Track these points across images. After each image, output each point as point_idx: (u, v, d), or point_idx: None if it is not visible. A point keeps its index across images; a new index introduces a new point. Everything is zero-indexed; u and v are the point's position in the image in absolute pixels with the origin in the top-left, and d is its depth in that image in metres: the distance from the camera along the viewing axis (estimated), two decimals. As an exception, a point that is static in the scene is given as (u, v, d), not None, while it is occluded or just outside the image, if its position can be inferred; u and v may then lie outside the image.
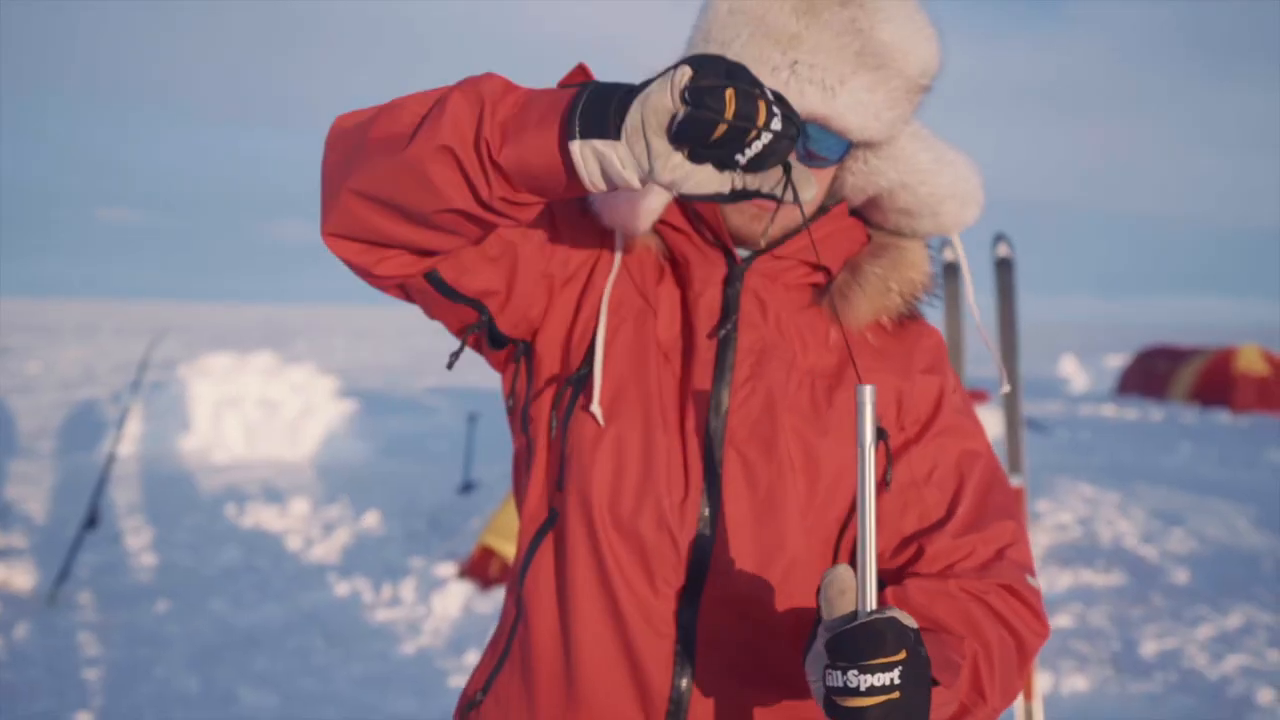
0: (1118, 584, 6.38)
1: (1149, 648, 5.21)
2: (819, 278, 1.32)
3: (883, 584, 1.18)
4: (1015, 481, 3.46)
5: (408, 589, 5.83)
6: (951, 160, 1.32)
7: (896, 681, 0.94)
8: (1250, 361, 17.13)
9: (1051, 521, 7.96)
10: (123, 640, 4.97)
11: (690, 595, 1.22)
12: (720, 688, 1.23)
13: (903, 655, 0.94)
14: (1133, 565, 6.83)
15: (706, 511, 1.22)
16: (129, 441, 10.01)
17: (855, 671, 0.94)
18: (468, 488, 8.63)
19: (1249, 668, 4.93)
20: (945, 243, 4.34)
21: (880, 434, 1.09)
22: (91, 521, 5.92)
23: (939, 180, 1.31)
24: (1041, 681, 4.62)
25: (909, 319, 1.34)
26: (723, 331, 1.27)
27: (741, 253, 1.31)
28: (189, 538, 7.03)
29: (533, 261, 1.29)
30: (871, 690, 0.93)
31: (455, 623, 5.36)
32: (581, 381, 1.30)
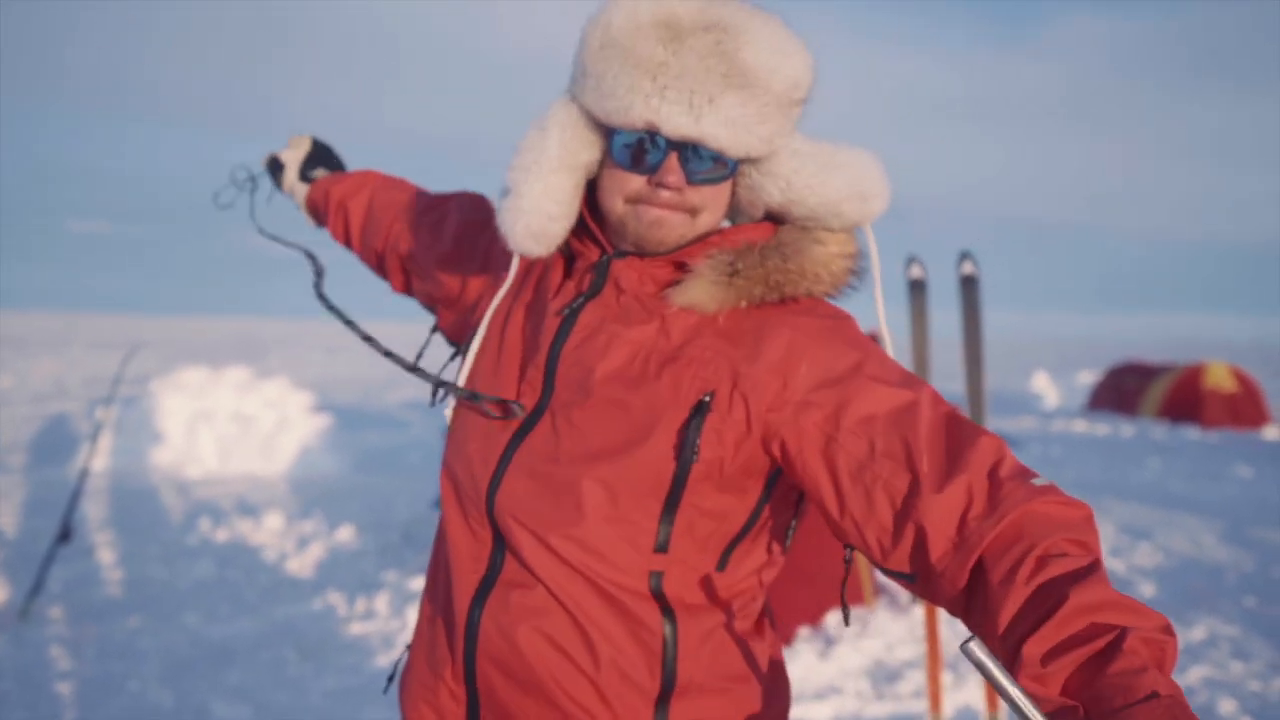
0: (1085, 597, 6.45)
1: (1115, 660, 5.27)
2: (682, 274, 1.39)
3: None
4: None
5: (382, 602, 5.84)
6: (844, 162, 1.39)
7: None
8: (1219, 378, 17.33)
9: (1021, 536, 8.03)
10: (95, 654, 4.96)
11: (496, 539, 1.41)
12: (507, 622, 1.38)
13: None
14: (1100, 579, 6.90)
15: (505, 463, 1.41)
16: (102, 455, 9.96)
17: None
18: (439, 503, 8.63)
19: (1212, 679, 5.01)
20: (911, 259, 4.40)
21: (701, 407, 1.31)
22: (64, 536, 5.90)
23: (828, 188, 1.38)
24: (1009, 693, 4.67)
25: (778, 306, 1.37)
26: (568, 309, 1.42)
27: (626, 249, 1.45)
28: (162, 552, 7.01)
29: (438, 276, 1.73)
30: None
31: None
32: (460, 358, 1.56)
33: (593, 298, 1.41)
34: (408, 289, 1.87)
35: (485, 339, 1.51)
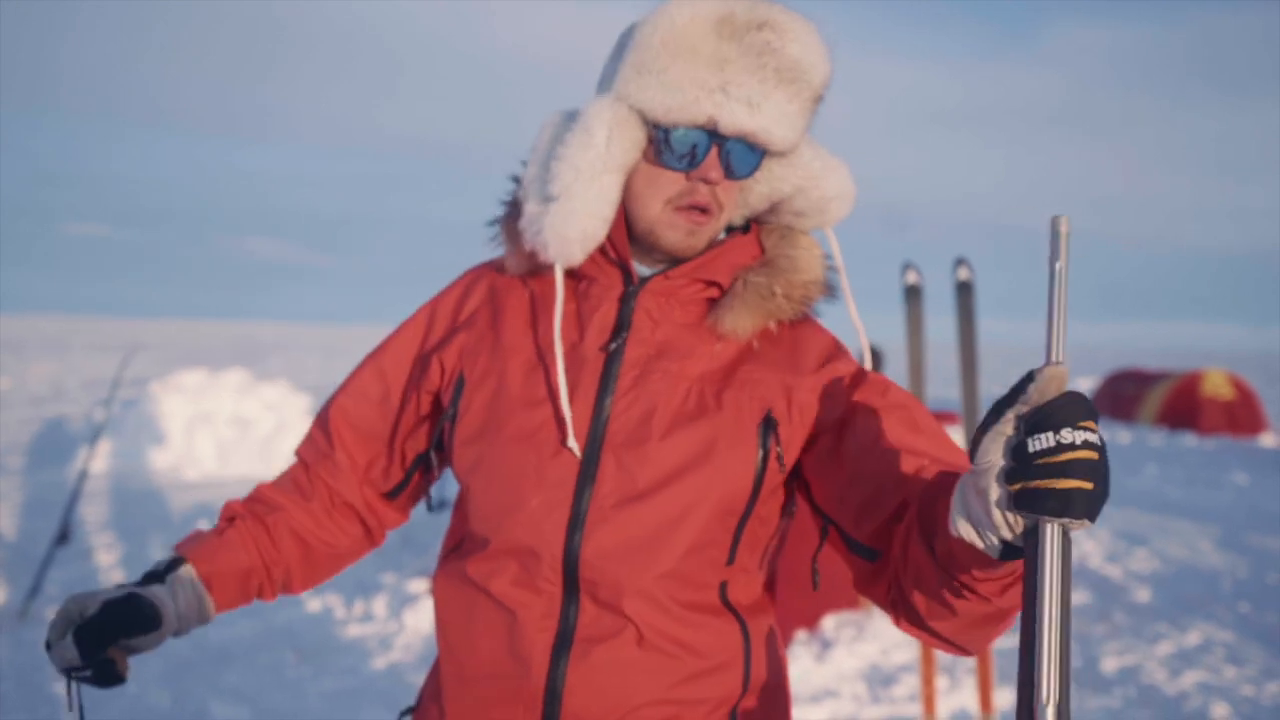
0: (1082, 602, 6.48)
1: (1109, 664, 5.30)
2: (713, 293, 1.43)
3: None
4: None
5: (380, 605, 5.86)
6: (834, 165, 1.47)
7: (1097, 442, 0.94)
8: (1216, 386, 17.37)
9: (1018, 541, 8.06)
10: (94, 655, 4.97)
11: (569, 591, 1.35)
12: (594, 677, 1.34)
13: (1095, 424, 0.95)
14: (1097, 584, 6.94)
15: (580, 513, 1.35)
16: (100, 458, 9.96)
17: (1068, 429, 0.92)
18: (439, 504, 8.64)
19: (1206, 684, 5.03)
20: (907, 265, 4.42)
21: (770, 423, 1.34)
22: (62, 537, 5.92)
23: (828, 183, 1.45)
24: (1003, 697, 4.70)
25: (798, 322, 1.44)
26: (613, 345, 1.40)
27: (644, 271, 1.44)
28: (160, 554, 6.98)
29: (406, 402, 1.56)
30: (1087, 445, 0.92)
31: (427, 638, 5.39)
32: (454, 420, 1.46)
33: (629, 333, 1.41)
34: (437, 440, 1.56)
35: (488, 374, 1.45)
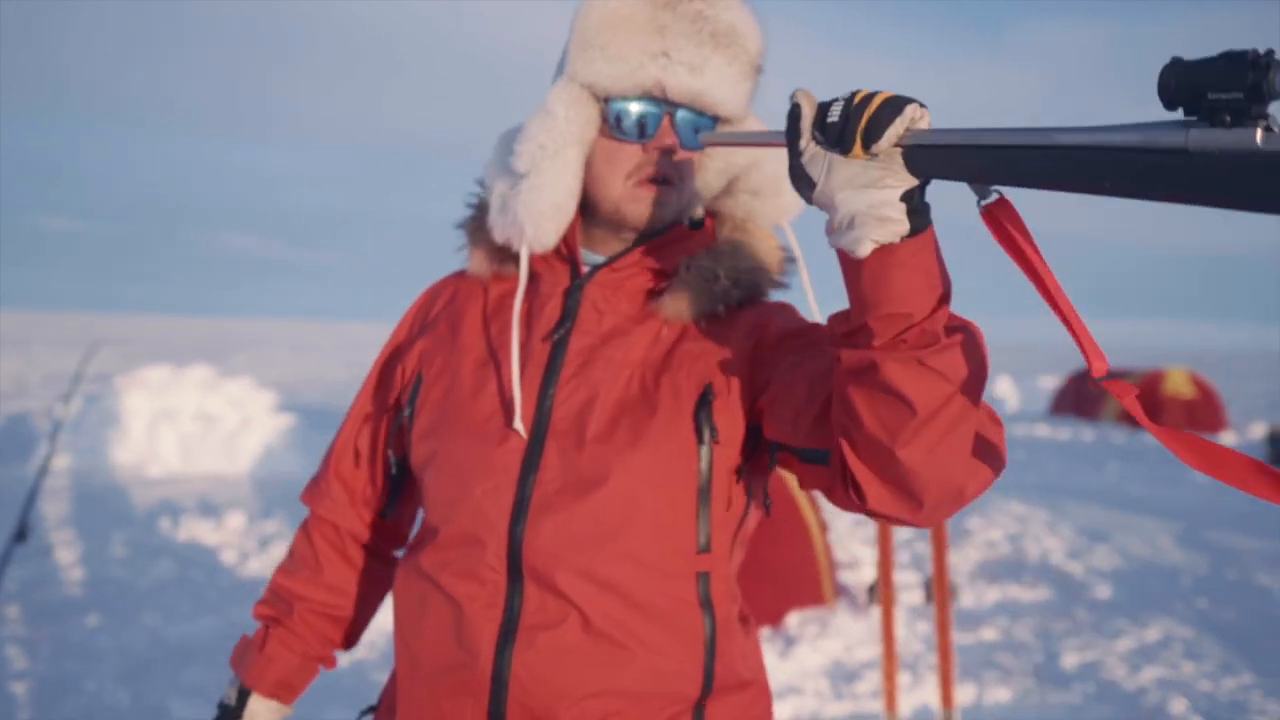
0: (1043, 599, 6.54)
1: (1070, 660, 5.35)
2: (661, 282, 1.45)
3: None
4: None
5: (343, 603, 5.83)
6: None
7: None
8: (1178, 385, 17.56)
9: (982, 538, 8.13)
10: (51, 653, 4.92)
11: (513, 578, 1.36)
12: (539, 665, 1.34)
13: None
14: (1058, 580, 7.00)
15: (524, 499, 1.36)
16: (62, 454, 9.86)
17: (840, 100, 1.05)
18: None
19: (1165, 679, 5.09)
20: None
21: (706, 400, 1.36)
22: (20, 534, 5.83)
23: (780, 160, 1.45)
24: (965, 693, 4.74)
25: (751, 306, 1.44)
26: (556, 335, 1.43)
27: (598, 259, 1.47)
28: (122, 551, 6.96)
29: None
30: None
31: (390, 635, 5.37)
32: (411, 418, 1.50)
33: (575, 323, 1.43)
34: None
35: (443, 371, 1.49)
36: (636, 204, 1.42)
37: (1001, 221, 1.03)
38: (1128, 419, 17.70)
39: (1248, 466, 0.91)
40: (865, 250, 1.05)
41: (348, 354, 41.12)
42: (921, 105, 1.03)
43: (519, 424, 1.38)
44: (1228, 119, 0.82)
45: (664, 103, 1.39)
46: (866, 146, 1.02)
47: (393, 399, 1.58)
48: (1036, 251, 1.02)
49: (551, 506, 1.34)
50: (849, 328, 1.12)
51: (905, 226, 1.04)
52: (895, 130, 1.02)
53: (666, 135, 1.40)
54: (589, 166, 1.44)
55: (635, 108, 1.40)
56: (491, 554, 1.36)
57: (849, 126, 1.03)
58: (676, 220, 1.47)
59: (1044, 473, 12.29)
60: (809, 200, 1.10)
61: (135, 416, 10.99)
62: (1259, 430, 16.69)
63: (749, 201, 1.49)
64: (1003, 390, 22.77)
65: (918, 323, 1.07)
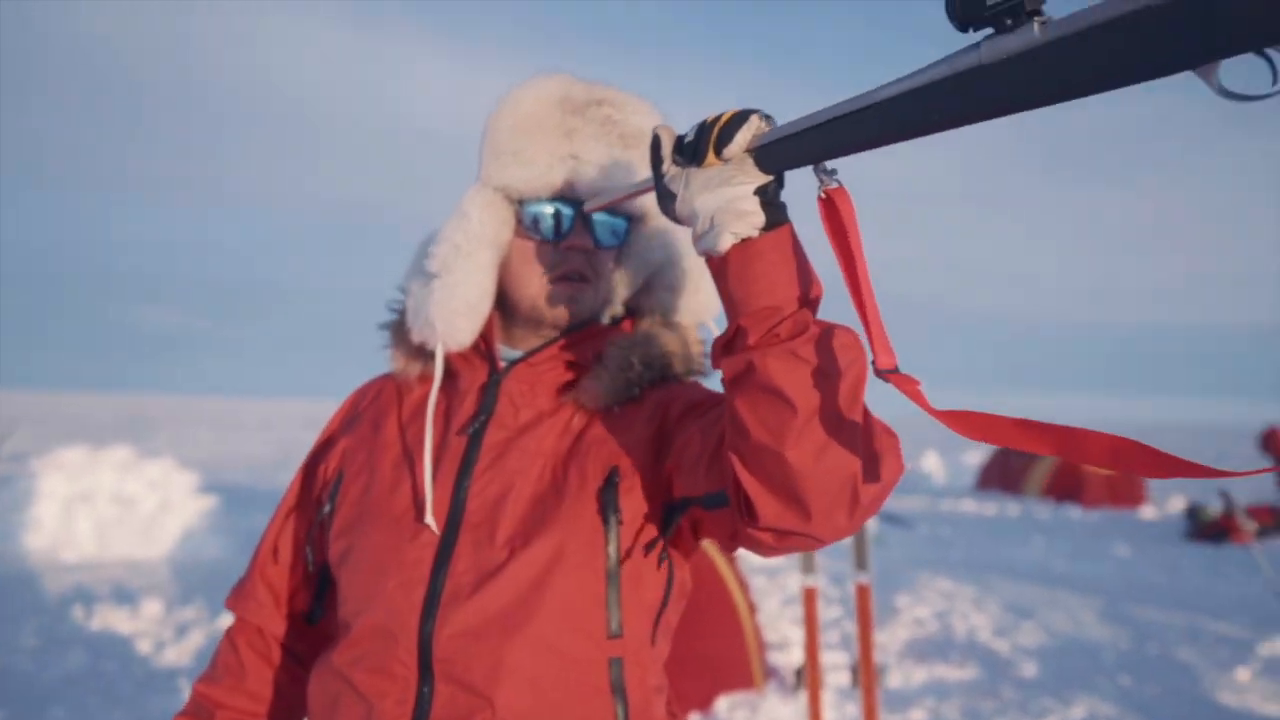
0: (971, 677, 6.57)
1: (997, 740, 5.37)
2: (577, 374, 1.47)
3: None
4: (861, 579, 3.60)
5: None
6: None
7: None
8: (1098, 459, 17.90)
9: (910, 616, 8.16)
10: (-48, 753, 4.71)
11: (424, 674, 1.34)
12: None
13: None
14: (985, 658, 7.04)
15: (435, 593, 1.35)
16: (-30, 540, 9.53)
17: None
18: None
19: (1089, 758, 5.12)
20: None
21: (612, 483, 1.36)
22: (-76, 626, 5.62)
23: (695, 258, 1.52)
24: (893, 776, 4.73)
25: (665, 387, 1.46)
26: (471, 429, 1.44)
27: (516, 355, 1.49)
28: (31, 642, 6.71)
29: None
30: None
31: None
32: (330, 516, 1.50)
33: (491, 417, 1.45)
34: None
35: (362, 469, 1.51)
36: (553, 301, 1.45)
37: (836, 208, 1.06)
38: (1052, 493, 17.99)
39: (1012, 425, 0.93)
40: (725, 244, 1.09)
41: (271, 431, 40.45)
42: (767, 116, 1.09)
43: (430, 518, 1.38)
44: (1009, 23, 0.85)
45: (577, 203, 1.43)
46: (719, 153, 1.08)
47: (315, 496, 1.58)
48: (859, 243, 1.05)
49: (461, 599, 1.34)
50: (726, 338, 1.14)
51: (761, 218, 1.08)
52: (744, 135, 1.08)
53: (580, 234, 1.43)
54: (507, 266, 1.47)
55: (548, 209, 1.43)
56: (403, 649, 1.35)
57: (702, 140, 1.09)
58: (594, 317, 1.50)
59: (970, 548, 12.41)
60: (673, 215, 1.14)
61: (50, 499, 10.67)
62: (1178, 503, 17.07)
63: (667, 298, 1.53)
64: (929, 465, 23.03)
65: (788, 315, 1.09)
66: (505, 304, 1.50)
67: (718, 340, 1.16)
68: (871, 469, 1.12)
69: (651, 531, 1.39)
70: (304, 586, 1.61)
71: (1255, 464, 20.86)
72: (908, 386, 0.99)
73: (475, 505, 1.39)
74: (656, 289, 1.54)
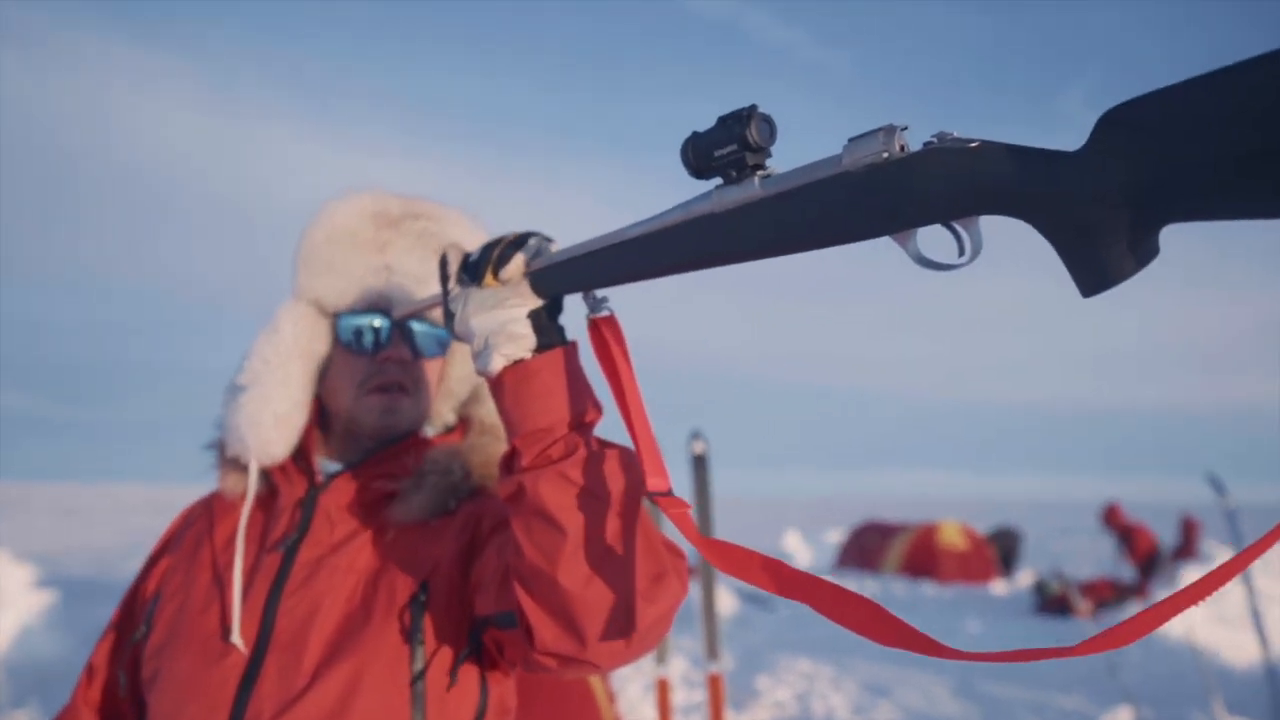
0: (827, 759, 6.65)
1: (852, 822, 5.43)
2: (396, 485, 1.45)
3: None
4: (713, 669, 3.65)
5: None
6: None
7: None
8: (951, 537, 18.41)
9: (770, 699, 8.24)
10: None
11: None
12: None
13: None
14: (842, 739, 7.14)
15: (237, 718, 1.31)
16: None
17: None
18: None
19: (939, 836, 5.23)
20: (695, 435, 4.54)
21: (418, 599, 1.34)
22: None
23: None
24: None
25: (474, 497, 1.45)
26: (282, 548, 1.41)
27: (336, 469, 1.47)
28: None
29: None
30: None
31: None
32: (145, 637, 1.45)
33: (306, 533, 1.42)
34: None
35: (179, 589, 1.47)
36: (369, 412, 1.45)
37: (604, 334, 1.10)
38: (908, 570, 18.40)
39: (761, 566, 0.95)
40: (496, 365, 1.12)
41: (119, 518, 38.62)
42: (548, 238, 1.14)
43: (237, 639, 1.35)
44: (734, 174, 0.91)
45: (391, 314, 1.43)
46: (497, 274, 1.13)
47: (134, 617, 1.54)
48: (629, 367, 1.09)
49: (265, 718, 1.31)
50: (504, 458, 1.15)
51: (532, 341, 1.12)
52: (520, 258, 1.12)
53: (397, 345, 1.43)
54: (325, 379, 1.46)
55: (362, 320, 1.43)
56: None
57: (483, 261, 1.14)
58: (414, 427, 1.50)
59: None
60: (451, 333, 1.18)
61: None
62: (1027, 578, 17.62)
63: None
64: (791, 545, 23.25)
65: (559, 437, 1.11)
66: (325, 417, 1.50)
67: (500, 460, 1.18)
68: (650, 591, 1.11)
69: (458, 649, 1.36)
70: (127, 707, 1.55)
71: (1097, 538, 21.67)
72: (675, 510, 1.01)
73: (284, 625, 1.35)
74: (485, 397, 1.55)
